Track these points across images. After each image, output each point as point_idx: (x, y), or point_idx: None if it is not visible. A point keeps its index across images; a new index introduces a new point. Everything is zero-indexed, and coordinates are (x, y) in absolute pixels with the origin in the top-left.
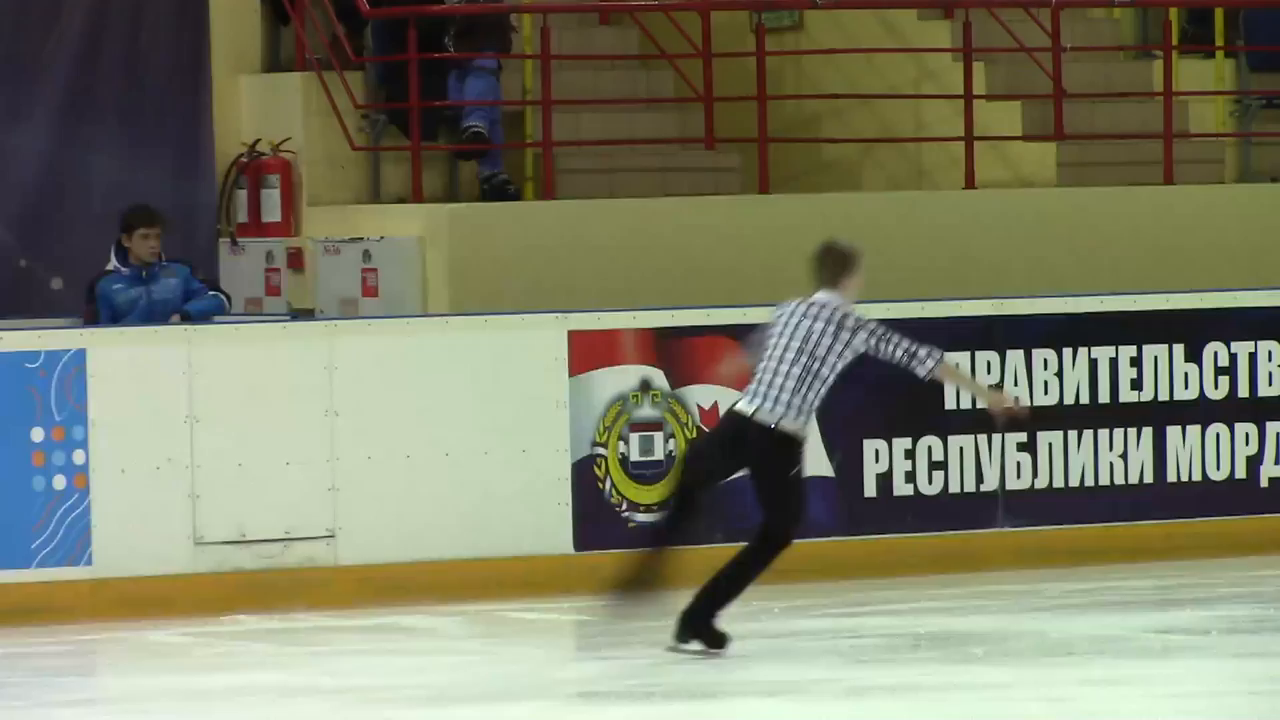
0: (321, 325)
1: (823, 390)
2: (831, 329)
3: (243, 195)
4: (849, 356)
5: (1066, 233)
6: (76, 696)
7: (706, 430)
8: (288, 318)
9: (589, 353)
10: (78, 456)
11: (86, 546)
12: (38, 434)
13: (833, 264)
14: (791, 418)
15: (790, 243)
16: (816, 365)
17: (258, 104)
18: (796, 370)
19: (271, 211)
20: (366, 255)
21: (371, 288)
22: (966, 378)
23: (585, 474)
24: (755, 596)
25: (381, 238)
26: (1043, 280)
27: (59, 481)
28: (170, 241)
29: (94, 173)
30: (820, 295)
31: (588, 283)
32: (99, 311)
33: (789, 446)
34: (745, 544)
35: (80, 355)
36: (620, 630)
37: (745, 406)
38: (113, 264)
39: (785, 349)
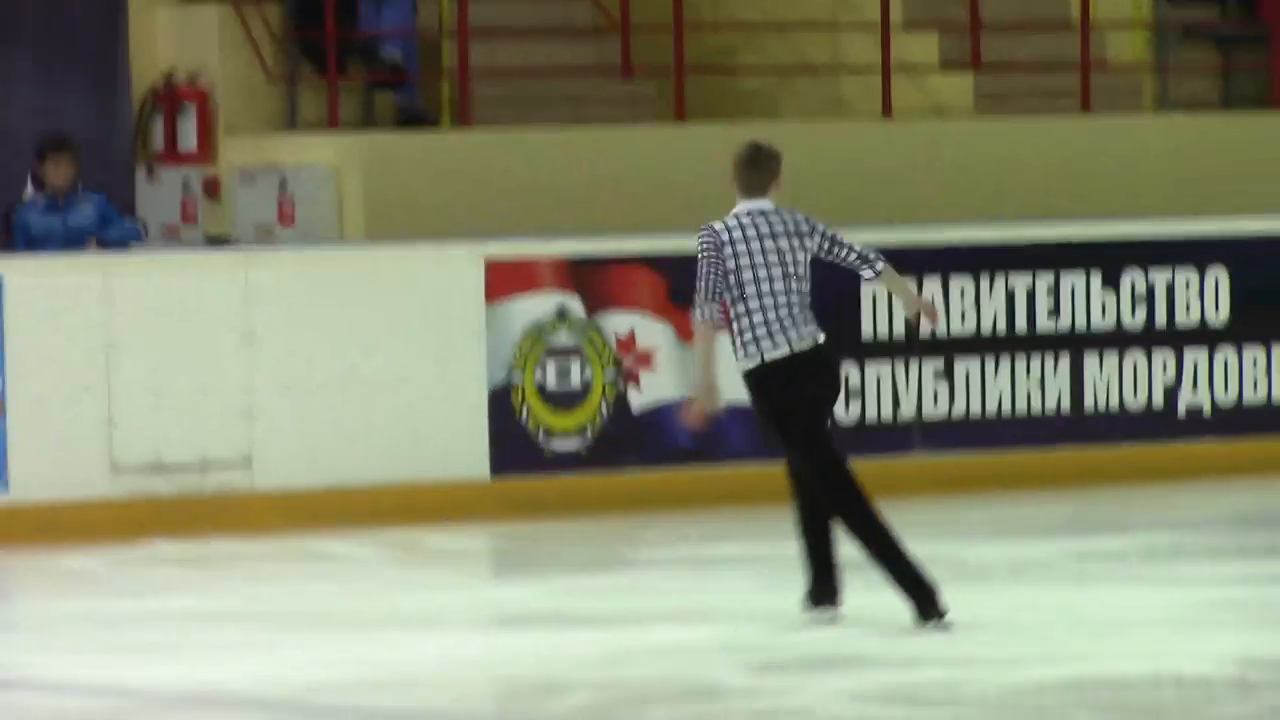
0: (238, 253)
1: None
2: (797, 240)
3: (159, 124)
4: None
5: (984, 162)
6: None
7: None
8: (204, 246)
9: (505, 281)
10: None
11: (2, 472)
12: None
13: (768, 167)
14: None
15: (707, 172)
16: (804, 285)
17: (174, 33)
18: (796, 299)
19: (188, 140)
20: (283, 184)
21: (288, 216)
22: (904, 284)
23: (502, 401)
24: (670, 524)
25: (298, 166)
26: (960, 209)
27: None
28: (87, 170)
29: (10, 101)
30: (761, 204)
31: (504, 211)
32: (15, 239)
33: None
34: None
35: None
36: (537, 556)
37: (798, 341)
38: (29, 192)
39: (774, 279)
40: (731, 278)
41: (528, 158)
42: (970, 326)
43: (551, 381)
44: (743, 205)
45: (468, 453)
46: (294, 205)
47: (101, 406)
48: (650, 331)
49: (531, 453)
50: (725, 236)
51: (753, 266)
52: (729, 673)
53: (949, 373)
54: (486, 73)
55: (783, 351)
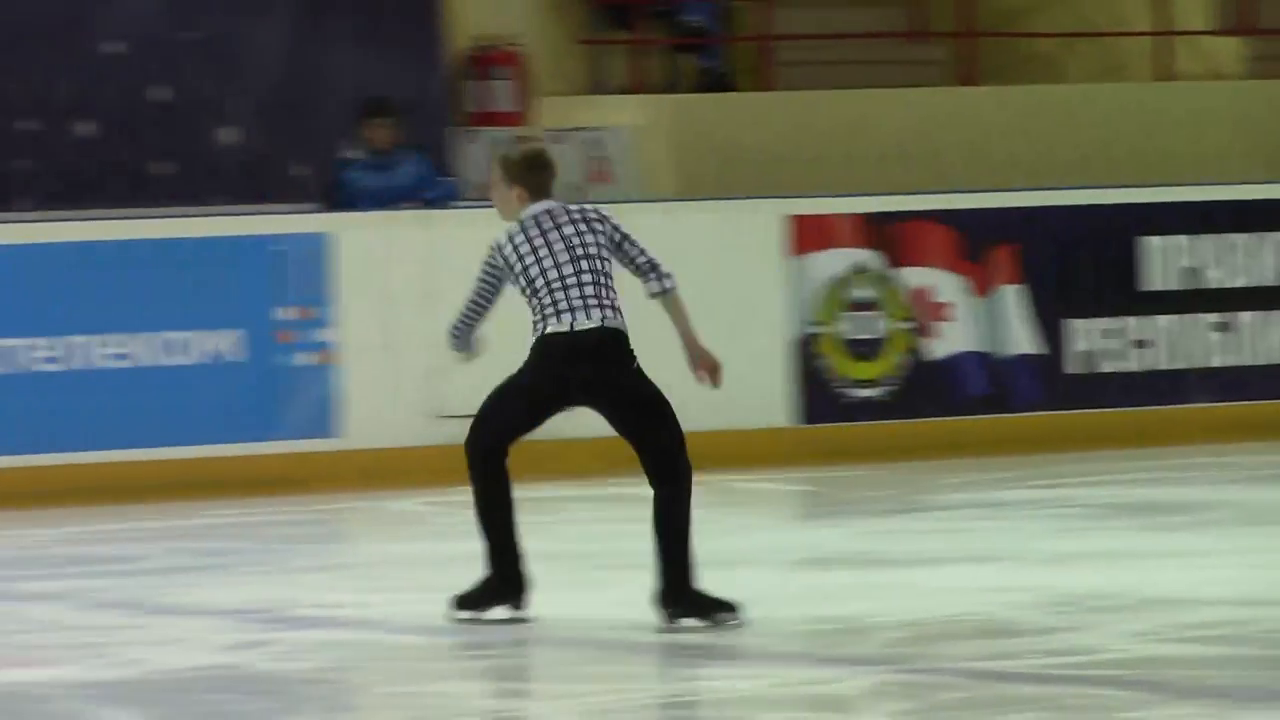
0: None
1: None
2: (584, 225)
3: (474, 86)
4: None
5: (1258, 123)
6: (321, 562)
7: (519, 379)
8: None
9: (806, 236)
10: (323, 335)
11: (332, 420)
12: (285, 314)
13: (551, 172)
14: (623, 321)
15: (996, 132)
16: (596, 264)
17: None
18: (604, 278)
19: (501, 101)
20: (592, 144)
21: (598, 174)
22: (689, 323)
23: (804, 352)
24: (965, 469)
25: (606, 127)
26: (1234, 168)
27: (306, 359)
28: (406, 131)
29: (333, 64)
30: (547, 205)
31: (804, 170)
32: (340, 197)
33: (630, 350)
34: (661, 494)
35: (325, 239)
36: (840, 500)
37: (583, 321)
38: (353, 152)
39: (576, 260)
40: (522, 279)
41: (826, 119)
42: (1247, 280)
43: (852, 333)
44: (530, 209)
45: (772, 401)
46: (603, 165)
47: (424, 357)
48: (945, 284)
49: (833, 401)
50: (508, 250)
51: (538, 261)
52: (1022, 612)
53: (1227, 324)
54: (787, 37)
55: (563, 328)
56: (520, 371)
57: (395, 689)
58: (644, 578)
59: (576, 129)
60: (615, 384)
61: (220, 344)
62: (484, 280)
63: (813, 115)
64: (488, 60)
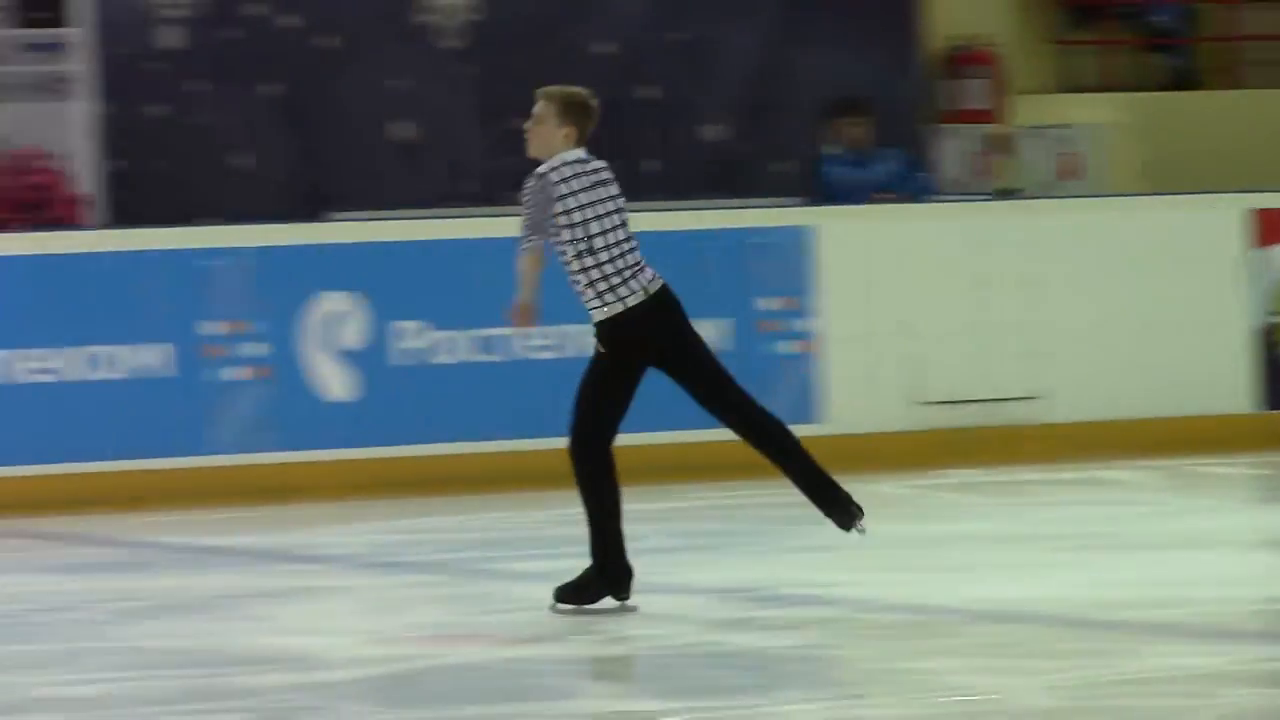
0: (1024, 204)
1: None
2: (615, 188)
3: (951, 84)
4: None
5: None
6: (805, 543)
7: (609, 364)
8: (993, 197)
9: (1269, 229)
10: (808, 324)
11: (816, 406)
12: (768, 304)
13: (595, 120)
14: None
15: None
16: (628, 229)
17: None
18: (636, 242)
19: (975, 99)
20: (1062, 140)
21: (1068, 170)
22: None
23: (1265, 340)
24: None
25: (1076, 124)
26: None
27: (790, 347)
28: (881, 128)
29: (811, 64)
30: (583, 153)
31: (1268, 165)
32: (821, 191)
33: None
34: (769, 436)
35: (806, 231)
36: None
37: (649, 282)
38: (832, 149)
39: (625, 225)
40: (580, 230)
41: None
42: None
43: None
44: (570, 153)
45: (1235, 387)
46: (1073, 160)
47: (903, 345)
48: None
49: None
50: (562, 189)
51: (599, 218)
52: None
53: None
54: (1253, 38)
55: (639, 295)
56: (606, 354)
57: (877, 665)
58: (1116, 559)
59: (1047, 126)
60: (677, 336)
61: (705, 333)
62: (538, 209)
63: (1276, 112)
64: (963, 60)
